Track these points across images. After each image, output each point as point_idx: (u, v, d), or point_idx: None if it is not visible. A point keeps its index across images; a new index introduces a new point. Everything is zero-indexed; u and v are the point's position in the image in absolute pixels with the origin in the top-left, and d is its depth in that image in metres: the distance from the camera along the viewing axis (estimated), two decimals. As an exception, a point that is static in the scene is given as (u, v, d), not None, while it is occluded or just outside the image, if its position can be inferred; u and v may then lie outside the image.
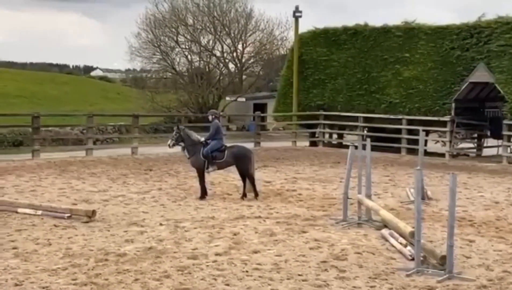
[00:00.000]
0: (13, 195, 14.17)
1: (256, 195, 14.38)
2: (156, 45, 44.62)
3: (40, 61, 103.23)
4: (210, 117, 15.13)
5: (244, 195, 14.45)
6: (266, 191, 15.43)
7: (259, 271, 8.52)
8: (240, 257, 9.19)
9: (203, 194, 14.35)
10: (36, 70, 78.40)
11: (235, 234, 10.65)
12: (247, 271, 8.51)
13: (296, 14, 29.80)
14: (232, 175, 18.25)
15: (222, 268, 8.64)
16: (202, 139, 14.65)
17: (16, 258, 9.03)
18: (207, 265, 8.76)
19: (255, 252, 9.52)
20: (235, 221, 11.75)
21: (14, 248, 9.58)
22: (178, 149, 24.31)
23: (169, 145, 14.92)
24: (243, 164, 14.47)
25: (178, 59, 46.10)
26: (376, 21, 31.00)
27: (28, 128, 25.13)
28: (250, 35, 46.22)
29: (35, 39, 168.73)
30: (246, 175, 14.46)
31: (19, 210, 12.21)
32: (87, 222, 11.41)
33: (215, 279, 8.14)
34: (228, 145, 14.96)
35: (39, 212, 11.99)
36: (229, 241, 10.14)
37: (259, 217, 12.23)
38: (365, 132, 27.20)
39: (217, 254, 9.33)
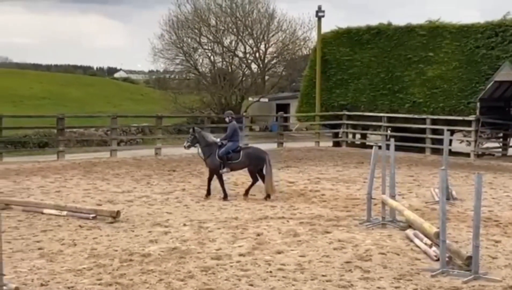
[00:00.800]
0: (39, 196, 14.33)
1: (268, 196, 14.35)
2: (179, 46, 44.80)
3: (64, 63, 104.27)
4: (227, 119, 15.22)
5: (246, 193, 14.56)
6: (289, 191, 15.42)
7: (283, 272, 8.50)
8: (263, 258, 9.18)
9: (208, 193, 14.49)
10: (61, 72, 79.19)
11: (258, 235, 10.65)
12: (271, 272, 8.50)
13: (319, 14, 29.74)
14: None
15: (246, 268, 8.63)
16: (218, 140, 14.75)
17: (42, 258, 9.11)
18: (231, 266, 8.76)
19: (279, 252, 9.51)
20: (259, 222, 11.75)
21: (40, 248, 9.68)
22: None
23: (184, 146, 15.14)
24: (257, 166, 14.56)
25: (201, 60, 46.27)
26: (399, 21, 30.82)
27: (53, 130, 25.40)
28: (272, 36, 46.20)
29: (60, 41, 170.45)
30: (259, 176, 14.53)
31: (45, 211, 12.33)
32: (111, 222, 11.49)
33: (239, 280, 8.14)
34: (243, 146, 15.00)
35: (64, 213, 12.10)
36: (252, 242, 10.14)
37: (283, 217, 12.21)
38: (389, 132, 27.03)
39: (240, 255, 9.33)
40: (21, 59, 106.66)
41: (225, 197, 14.29)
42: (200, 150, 14.85)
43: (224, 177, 14.80)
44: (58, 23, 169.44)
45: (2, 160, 21.53)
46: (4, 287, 6.79)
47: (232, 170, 14.87)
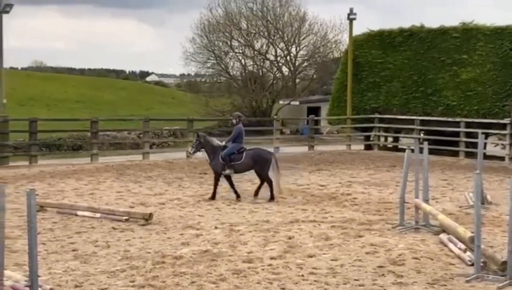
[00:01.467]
0: (73, 198, 14.52)
1: (272, 198, 14.40)
2: (210, 49, 45.06)
3: (98, 67, 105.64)
4: (234, 121, 15.26)
5: (256, 194, 14.63)
6: (320, 195, 15.36)
7: (314, 275, 8.47)
8: (295, 261, 9.15)
9: (213, 196, 14.53)
10: (94, 76, 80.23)
11: (290, 238, 10.62)
12: (302, 275, 8.47)
13: (351, 17, 29.58)
14: (285, 179, 18.27)
15: (278, 271, 8.62)
16: (223, 143, 14.83)
17: (76, 260, 9.23)
18: (263, 269, 8.76)
19: (310, 256, 9.47)
20: (290, 225, 11.72)
21: (74, 250, 9.80)
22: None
23: (190, 152, 15.33)
24: (261, 167, 14.55)
25: (232, 64, 46.49)
26: (432, 23, 30.55)
27: (87, 133, 25.75)
28: (303, 38, 46.15)
29: (94, 45, 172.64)
30: (264, 177, 14.58)
31: (79, 213, 12.49)
32: (144, 225, 11.59)
33: (271, 283, 8.13)
34: (248, 147, 15.06)
35: (98, 215, 12.24)
36: (284, 245, 10.12)
37: (314, 221, 12.16)
38: (422, 135, 26.75)
39: (272, 258, 9.32)
40: (56, 63, 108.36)
41: (238, 197, 14.46)
42: (206, 154, 14.95)
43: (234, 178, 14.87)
44: (92, 28, 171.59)
45: (37, 163, 21.88)
46: (39, 288, 6.88)
47: (235, 171, 14.81)
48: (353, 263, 9.09)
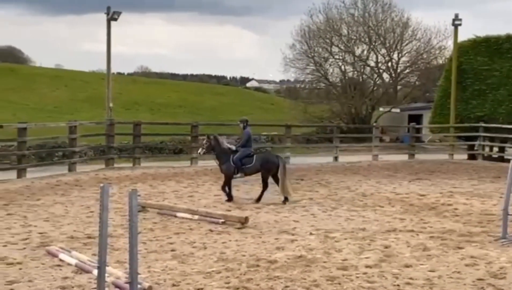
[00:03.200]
0: (173, 200, 14.94)
1: (286, 200, 14.74)
2: (310, 56, 45.09)
3: (199, 73, 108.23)
4: (241, 125, 15.52)
5: (258, 199, 14.89)
6: (419, 204, 14.99)
7: (410, 286, 8.27)
8: (391, 271, 8.97)
9: (230, 198, 14.93)
10: (196, 82, 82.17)
11: (386, 247, 10.43)
12: (398, 285, 8.29)
13: (456, 22, 28.77)
14: (384, 187, 17.97)
15: (373, 280, 8.48)
16: (233, 147, 15.24)
17: (174, 259, 9.47)
18: (357, 277, 8.65)
19: (407, 266, 9.25)
20: (387, 234, 11.51)
21: (173, 250, 10.06)
22: (329, 159, 24.43)
23: (199, 153, 15.75)
24: (269, 170, 14.95)
25: (331, 70, 46.32)
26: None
27: (187, 137, 26.40)
28: (406, 45, 45.33)
29: (196, 51, 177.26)
30: (274, 180, 14.94)
31: (178, 214, 12.83)
32: (240, 228, 11.74)
33: (365, 292, 8.02)
34: (256, 151, 15.50)
35: (196, 217, 12.51)
36: (380, 254, 9.95)
37: (412, 231, 11.88)
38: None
39: (367, 266, 9.19)
40: (160, 69, 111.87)
41: (229, 200, 14.83)
42: (215, 157, 15.40)
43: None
44: (196, 34, 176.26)
45: (140, 165, 22.68)
46: (139, 285, 7.12)
47: (246, 175, 15.31)
48: (451, 275, 8.80)
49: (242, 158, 15.05)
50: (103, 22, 27.03)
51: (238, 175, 15.15)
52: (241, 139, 15.51)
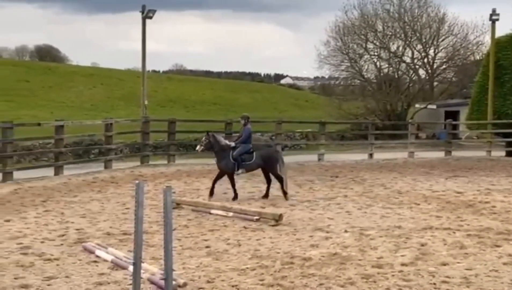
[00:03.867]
0: (207, 197, 14.98)
1: (285, 194, 14.79)
2: (344, 52, 44.75)
3: (234, 70, 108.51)
4: (242, 122, 15.46)
5: (266, 196, 14.97)
6: (456, 202, 14.79)
7: (447, 284, 8.15)
8: (427, 269, 8.86)
9: (236, 196, 14.92)
10: (230, 79, 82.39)
11: (422, 245, 10.30)
12: (434, 284, 8.18)
13: (493, 17, 28.28)
14: (420, 184, 17.77)
15: (408, 278, 8.39)
16: (232, 144, 15.11)
17: (209, 256, 9.50)
18: (393, 275, 8.56)
19: (444, 264, 9.13)
20: (423, 232, 11.37)
21: (207, 247, 10.09)
22: (364, 156, 24.25)
23: (197, 150, 15.65)
24: (270, 166, 14.96)
25: (366, 66, 45.87)
26: None
27: (222, 134, 26.44)
28: (442, 40, 44.66)
29: (231, 49, 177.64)
30: (274, 176, 14.94)
31: (212, 211, 12.88)
32: (274, 225, 11.73)
33: (401, 289, 7.94)
34: (255, 147, 15.32)
35: (230, 214, 12.55)
36: (416, 252, 9.83)
37: (449, 228, 11.71)
38: None
39: (403, 264, 9.09)
40: (195, 67, 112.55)
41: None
42: (214, 154, 15.36)
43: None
44: (231, 32, 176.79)
45: (175, 162, 22.84)
46: (174, 282, 7.16)
47: (246, 171, 15.27)
48: (488, 274, 8.65)
49: (241, 154, 15.01)
50: (138, 21, 27.34)
51: (239, 171, 15.08)
52: (241, 135, 15.36)
